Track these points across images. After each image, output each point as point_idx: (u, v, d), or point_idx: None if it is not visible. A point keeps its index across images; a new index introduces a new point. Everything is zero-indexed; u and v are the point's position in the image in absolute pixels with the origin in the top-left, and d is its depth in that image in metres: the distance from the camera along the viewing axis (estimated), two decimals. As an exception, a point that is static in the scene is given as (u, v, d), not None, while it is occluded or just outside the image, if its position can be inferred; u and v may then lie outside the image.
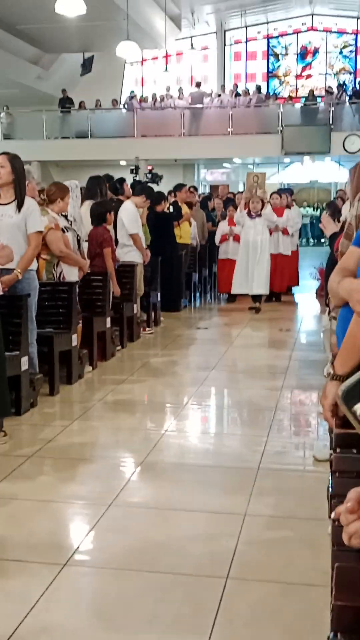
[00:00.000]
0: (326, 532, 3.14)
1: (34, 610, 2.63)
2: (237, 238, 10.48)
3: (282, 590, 2.78)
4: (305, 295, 11.65)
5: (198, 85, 23.25)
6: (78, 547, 3.15)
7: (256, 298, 10.06)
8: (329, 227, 4.31)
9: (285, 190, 12.51)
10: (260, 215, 9.99)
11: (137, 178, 14.27)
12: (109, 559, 3.04)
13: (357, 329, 1.97)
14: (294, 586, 2.80)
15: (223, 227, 11.10)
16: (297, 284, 12.05)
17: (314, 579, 2.83)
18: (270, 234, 10.53)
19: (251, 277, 9.93)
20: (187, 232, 10.71)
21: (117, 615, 2.62)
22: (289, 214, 11.14)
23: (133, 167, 15.54)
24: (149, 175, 13.38)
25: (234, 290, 10.28)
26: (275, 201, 11.03)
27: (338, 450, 1.97)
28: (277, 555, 3.05)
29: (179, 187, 11.02)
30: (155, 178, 12.58)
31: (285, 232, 11.04)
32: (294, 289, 11.95)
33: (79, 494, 3.76)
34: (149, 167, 16.76)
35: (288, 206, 11.47)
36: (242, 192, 12.27)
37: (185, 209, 10.67)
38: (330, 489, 2.52)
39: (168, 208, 10.30)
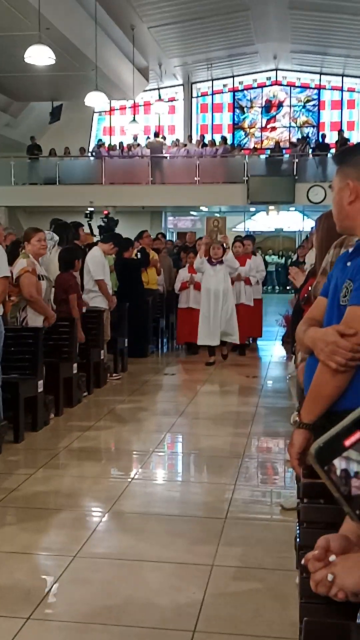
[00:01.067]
0: (294, 582, 3.12)
1: (-5, 668, 2.55)
2: (197, 286, 9.89)
3: (250, 643, 2.74)
4: (270, 342, 11.71)
5: (156, 135, 23.66)
6: (42, 600, 3.07)
7: (212, 350, 9.44)
8: (299, 278, 4.39)
9: (248, 237, 11.89)
10: (221, 262, 9.34)
11: (90, 222, 14.28)
12: (73, 612, 2.97)
13: (322, 378, 2.00)
14: (263, 639, 2.76)
15: (183, 275, 10.54)
16: (260, 335, 11.47)
17: (282, 631, 2.80)
18: (232, 283, 9.95)
19: (215, 327, 9.31)
20: (154, 278, 10.75)
21: (82, 672, 2.55)
22: (251, 263, 10.63)
23: (87, 212, 15.58)
24: (105, 220, 13.43)
25: (199, 342, 9.56)
26: (237, 249, 10.59)
27: (305, 500, 1.97)
28: (245, 607, 3.01)
29: (140, 235, 11.06)
30: (111, 223, 12.57)
31: (247, 281, 10.53)
32: (258, 341, 11.55)
33: (43, 545, 3.68)
34: (105, 212, 16.86)
35: (254, 253, 11.15)
36: (201, 238, 11.25)
37: (153, 255, 10.73)
38: (297, 539, 2.52)
39: (136, 255, 10.34)
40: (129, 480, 4.77)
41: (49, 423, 6.16)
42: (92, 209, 16.25)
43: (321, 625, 1.43)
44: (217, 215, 25.35)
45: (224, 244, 9.59)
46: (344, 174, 2.15)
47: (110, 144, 24.52)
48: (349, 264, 2.06)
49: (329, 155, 21.68)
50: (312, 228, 10.09)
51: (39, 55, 12.90)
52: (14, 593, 3.14)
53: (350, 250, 2.12)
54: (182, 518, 4.07)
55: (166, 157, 22.59)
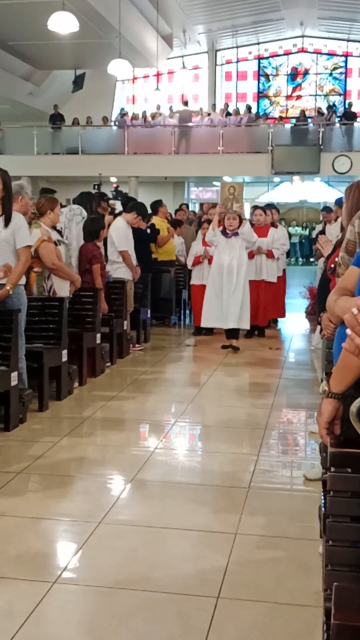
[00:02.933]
0: (317, 552, 3.15)
1: (23, 628, 2.60)
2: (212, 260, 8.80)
3: (273, 610, 2.77)
4: (294, 314, 11.66)
5: (186, 104, 23.42)
6: (67, 565, 3.12)
7: (231, 334, 8.43)
8: (327, 247, 4.33)
9: (270, 206, 10.73)
10: (237, 234, 8.26)
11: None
12: (98, 577, 3.02)
13: None
14: (285, 606, 2.79)
15: (196, 248, 9.55)
16: (283, 315, 10.47)
17: (304, 599, 2.82)
18: (252, 257, 9.10)
19: (225, 308, 8.26)
20: (171, 249, 10.38)
21: (107, 634, 2.60)
22: (274, 234, 9.57)
23: (96, 184, 15.42)
24: (114, 193, 13.24)
25: (203, 323, 8.62)
26: (258, 218, 9.52)
27: (333, 469, 1.97)
28: (268, 575, 3.03)
29: (156, 207, 10.53)
30: (119, 195, 12.22)
31: (270, 254, 9.45)
32: (280, 322, 10.64)
33: (67, 512, 3.73)
34: (115, 185, 16.68)
35: (273, 224, 9.90)
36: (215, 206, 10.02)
37: (163, 231, 10.14)
38: (323, 509, 2.52)
39: (146, 229, 9.73)
40: (152, 449, 4.81)
41: (72, 392, 6.22)
42: (99, 182, 16.05)
43: (351, 590, 1.44)
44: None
45: (241, 214, 8.45)
46: None
47: (133, 113, 24.34)
48: None
49: (356, 124, 21.35)
50: (336, 200, 9.84)
51: (63, 23, 12.81)
52: (39, 558, 3.20)
53: None
54: (205, 487, 4.10)
55: (190, 127, 22.38)
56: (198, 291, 9.28)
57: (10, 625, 2.61)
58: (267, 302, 9.45)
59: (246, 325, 8.48)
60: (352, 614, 1.42)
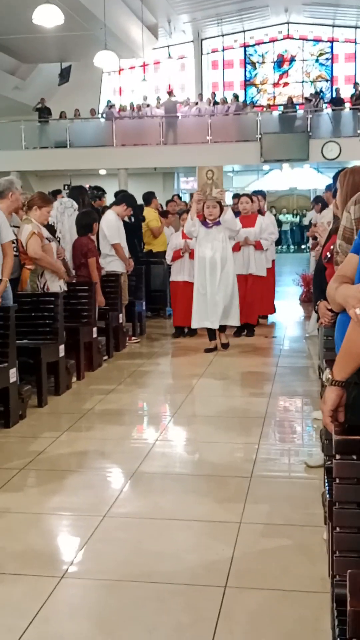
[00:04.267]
0: (321, 538, 3.17)
1: (34, 623, 2.62)
2: (193, 255, 7.93)
3: (281, 597, 2.79)
4: (288, 302, 11.68)
5: (170, 94, 23.32)
6: (73, 560, 3.14)
7: (212, 334, 7.73)
8: (325, 235, 4.33)
9: (258, 192, 9.93)
10: (218, 223, 7.48)
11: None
12: (105, 570, 3.03)
13: (354, 335, 2.00)
14: (292, 593, 2.81)
15: (176, 241, 8.58)
16: (273, 311, 9.76)
17: (311, 585, 2.85)
18: (238, 249, 8.28)
19: (213, 305, 7.54)
20: (162, 241, 10.20)
21: (117, 627, 2.62)
22: (262, 223, 8.67)
23: (66, 184, 15.12)
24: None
25: (194, 325, 7.83)
26: (245, 206, 8.61)
27: (338, 456, 1.98)
28: (274, 562, 3.06)
29: (151, 195, 10.45)
30: (97, 193, 11.54)
31: (258, 246, 8.56)
32: (270, 318, 9.79)
33: (71, 506, 3.74)
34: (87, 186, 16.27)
35: (260, 212, 9.06)
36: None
37: (149, 221, 10.02)
38: (327, 495, 2.54)
39: (129, 218, 9.37)
40: (153, 441, 4.82)
41: (71, 387, 6.23)
42: (70, 181, 15.83)
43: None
44: (230, 174, 25.12)
45: (221, 201, 7.57)
46: None
47: (120, 105, 24.24)
48: None
49: (344, 110, 21.33)
50: (327, 186, 9.80)
51: (48, 16, 12.73)
52: (45, 554, 3.21)
53: None
54: (207, 477, 4.12)
55: (177, 117, 22.31)
56: (178, 288, 8.49)
57: (20, 622, 2.63)
58: (255, 297, 8.59)
59: (235, 321, 7.80)
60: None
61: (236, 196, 9.50)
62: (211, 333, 7.73)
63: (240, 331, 8.46)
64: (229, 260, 7.57)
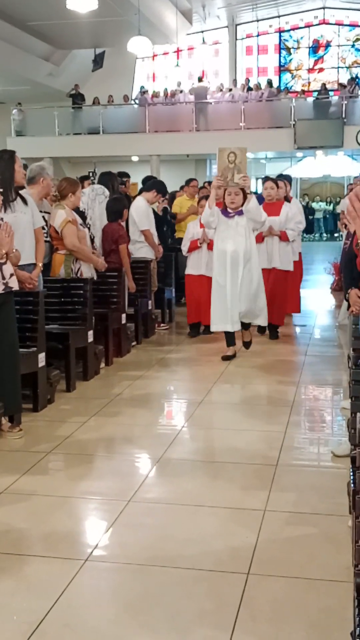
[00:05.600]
0: (347, 527, 3.14)
1: (56, 606, 2.64)
2: (212, 246, 7.00)
3: (304, 586, 2.77)
4: (319, 290, 11.58)
5: (200, 79, 23.15)
6: (98, 543, 3.16)
7: (232, 339, 6.80)
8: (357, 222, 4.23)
9: (283, 177, 8.98)
10: (241, 212, 6.57)
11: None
12: (129, 555, 3.04)
13: None
14: (316, 582, 2.80)
15: (193, 230, 7.83)
16: (298, 310, 8.83)
17: (336, 574, 2.82)
18: (261, 240, 7.41)
19: (234, 304, 6.59)
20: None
21: (140, 611, 2.63)
22: (288, 211, 7.68)
23: (90, 171, 14.90)
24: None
25: (213, 328, 6.89)
26: (269, 192, 7.67)
27: (363, 446, 1.96)
28: (298, 551, 3.04)
29: (188, 183, 10.27)
30: (122, 179, 11.25)
31: (283, 237, 7.60)
32: (295, 317, 8.85)
33: (97, 490, 3.76)
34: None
35: (287, 199, 8.25)
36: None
37: (181, 209, 9.85)
38: (352, 485, 2.52)
39: (162, 210, 9.37)
40: (180, 427, 4.82)
41: (99, 372, 6.25)
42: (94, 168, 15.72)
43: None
44: (263, 161, 24.92)
45: (245, 188, 6.62)
46: None
47: (154, 91, 24.16)
48: None
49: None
50: (354, 177, 9.64)
51: (81, 1, 12.76)
52: (70, 537, 3.23)
53: None
54: (233, 465, 4.11)
55: (210, 103, 22.18)
56: (194, 282, 7.82)
57: (43, 603, 2.65)
58: (281, 295, 7.62)
59: (262, 321, 6.96)
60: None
61: (265, 179, 8.44)
62: (230, 338, 6.79)
63: (262, 331, 7.68)
64: (253, 254, 6.64)
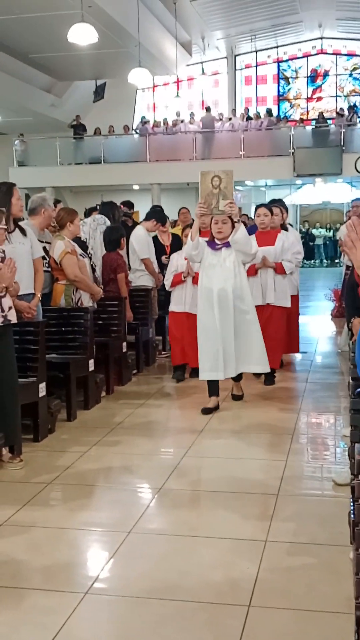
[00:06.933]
0: (348, 558, 3.13)
1: (57, 638, 2.62)
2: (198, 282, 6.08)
3: (305, 617, 2.75)
4: (319, 317, 11.60)
5: (208, 110, 23.46)
6: (99, 575, 3.14)
7: (215, 388, 5.97)
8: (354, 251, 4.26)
9: (276, 202, 7.89)
10: (227, 244, 5.79)
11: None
12: (130, 587, 3.03)
13: None
14: (317, 613, 2.78)
15: (177, 263, 6.99)
16: (297, 349, 7.99)
17: (337, 605, 2.80)
18: (254, 273, 6.54)
19: (227, 350, 5.79)
20: None
21: (140, 645, 2.61)
22: (284, 241, 6.80)
23: (98, 204, 14.88)
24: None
25: (202, 376, 5.92)
26: (263, 219, 6.75)
27: (360, 476, 1.96)
28: (299, 582, 3.02)
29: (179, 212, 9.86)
30: (129, 212, 10.80)
31: (279, 269, 6.67)
32: (294, 357, 8.14)
33: (97, 522, 3.75)
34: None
35: (284, 227, 7.39)
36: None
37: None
38: (352, 515, 2.51)
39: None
40: (181, 457, 4.81)
41: (100, 401, 6.26)
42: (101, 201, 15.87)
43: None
44: (263, 189, 25.09)
45: (233, 215, 5.81)
46: None
47: (154, 121, 24.44)
48: None
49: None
50: (352, 200, 9.67)
51: (82, 34, 12.90)
52: (70, 569, 3.22)
53: None
54: (234, 494, 4.10)
55: (210, 132, 22.41)
56: (178, 320, 6.93)
57: (43, 638, 2.63)
58: (277, 334, 6.69)
59: (262, 367, 6.11)
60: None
61: (258, 206, 7.40)
62: (213, 387, 5.95)
63: (258, 376, 6.82)
64: (244, 291, 5.84)
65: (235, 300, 5.77)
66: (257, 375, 6.82)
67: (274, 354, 6.58)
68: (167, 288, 7.18)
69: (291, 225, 8.40)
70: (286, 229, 7.52)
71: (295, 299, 7.63)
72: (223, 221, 5.78)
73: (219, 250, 5.81)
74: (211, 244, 5.85)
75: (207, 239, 5.90)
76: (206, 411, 5.86)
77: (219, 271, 5.78)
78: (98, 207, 9.50)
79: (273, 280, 6.68)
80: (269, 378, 6.80)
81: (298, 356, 8.44)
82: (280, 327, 6.80)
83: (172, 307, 7.12)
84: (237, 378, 6.13)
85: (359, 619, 1.83)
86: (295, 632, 2.66)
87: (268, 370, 6.25)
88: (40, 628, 2.71)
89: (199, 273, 6.09)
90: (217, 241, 5.83)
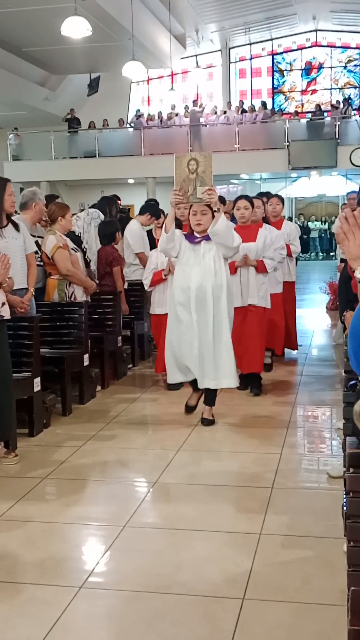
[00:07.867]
0: (342, 550, 3.14)
1: (51, 633, 2.63)
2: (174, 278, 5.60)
3: (299, 610, 2.77)
4: (315, 310, 11.62)
5: (194, 103, 23.41)
6: (93, 569, 3.15)
7: (207, 397, 5.45)
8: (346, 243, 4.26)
9: (263, 195, 7.43)
10: (207, 238, 5.18)
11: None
12: (124, 580, 3.04)
13: None
14: (311, 606, 2.79)
15: (157, 260, 6.43)
16: (296, 346, 7.85)
17: (331, 598, 2.82)
18: (234, 271, 5.92)
19: (197, 353, 5.24)
20: None
21: (135, 638, 2.62)
22: (266, 236, 6.14)
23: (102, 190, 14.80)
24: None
25: (170, 378, 5.54)
26: (243, 212, 6.02)
27: (352, 470, 1.97)
28: (294, 575, 3.03)
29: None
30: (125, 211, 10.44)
31: (260, 268, 6.06)
32: (289, 350, 7.93)
33: (93, 516, 3.76)
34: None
35: (266, 220, 6.74)
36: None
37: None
38: (345, 508, 2.52)
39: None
40: (176, 451, 4.82)
41: (95, 396, 6.26)
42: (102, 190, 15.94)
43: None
44: (258, 182, 25.06)
45: (212, 204, 5.10)
46: None
47: (149, 114, 24.39)
48: None
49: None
50: (347, 193, 9.68)
51: (76, 28, 12.83)
52: (65, 563, 3.22)
53: None
54: (229, 488, 4.11)
55: (205, 126, 22.37)
56: (162, 323, 6.03)
57: (38, 631, 2.64)
58: (260, 336, 6.15)
59: (232, 382, 5.36)
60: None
61: (238, 198, 6.47)
62: (196, 384, 5.44)
63: (245, 384, 6.18)
64: (223, 292, 5.20)
65: (214, 300, 5.18)
66: (243, 387, 6.17)
67: (258, 356, 6.16)
68: (146, 288, 6.64)
69: (290, 219, 8.56)
70: (279, 222, 7.27)
71: (292, 296, 7.59)
72: (202, 212, 5.14)
73: (197, 244, 5.22)
74: (189, 237, 5.27)
75: (185, 232, 5.37)
76: (188, 409, 5.56)
77: (197, 267, 5.19)
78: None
79: (254, 279, 6.06)
80: (255, 384, 6.22)
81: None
82: (262, 328, 6.22)
83: (154, 309, 6.58)
84: (210, 401, 5.43)
85: (351, 609, 1.84)
86: (289, 625, 2.67)
87: (237, 384, 5.46)
88: (35, 622, 2.71)
89: (175, 268, 5.51)
90: (195, 234, 5.25)
